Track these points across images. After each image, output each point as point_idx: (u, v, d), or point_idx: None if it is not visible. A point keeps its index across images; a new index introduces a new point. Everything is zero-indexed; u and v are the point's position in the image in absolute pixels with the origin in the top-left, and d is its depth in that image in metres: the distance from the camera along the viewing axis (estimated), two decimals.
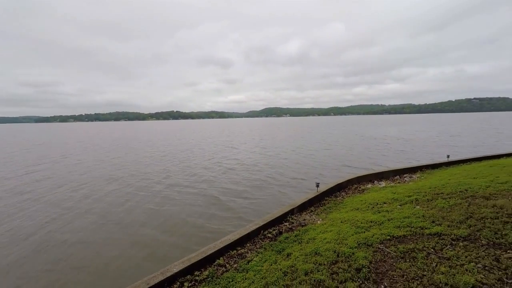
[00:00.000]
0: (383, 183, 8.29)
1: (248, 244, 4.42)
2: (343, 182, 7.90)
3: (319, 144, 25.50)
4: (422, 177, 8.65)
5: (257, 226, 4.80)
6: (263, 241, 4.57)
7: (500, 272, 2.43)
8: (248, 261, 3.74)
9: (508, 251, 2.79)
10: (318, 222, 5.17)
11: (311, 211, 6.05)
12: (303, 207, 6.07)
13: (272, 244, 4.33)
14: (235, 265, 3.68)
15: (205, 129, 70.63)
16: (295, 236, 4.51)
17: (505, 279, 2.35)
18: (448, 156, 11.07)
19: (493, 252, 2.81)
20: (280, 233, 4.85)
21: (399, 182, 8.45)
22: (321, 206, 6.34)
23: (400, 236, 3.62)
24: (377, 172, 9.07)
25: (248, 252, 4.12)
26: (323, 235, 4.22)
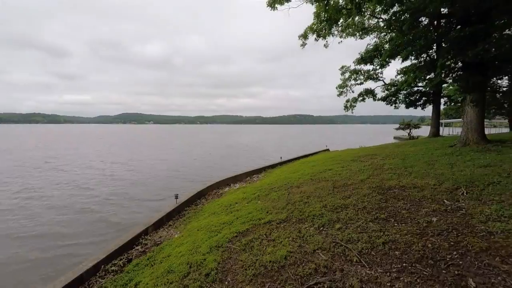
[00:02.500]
0: (237, 185, 9.47)
1: None
2: (203, 189, 8.19)
3: (186, 154, 25.21)
4: (265, 176, 10.79)
5: (95, 262, 3.83)
6: (104, 278, 3.70)
7: (300, 240, 3.42)
8: None
9: (305, 223, 4.01)
10: (176, 235, 4.96)
11: (170, 225, 5.73)
12: (160, 223, 5.62)
13: (116, 278, 3.60)
14: None
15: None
16: (148, 259, 4.04)
17: (303, 245, 3.33)
18: (281, 158, 14.62)
19: (298, 227, 3.93)
20: (130, 260, 4.16)
21: (249, 182, 10.00)
22: (181, 218, 6.18)
23: (244, 230, 4.21)
24: (233, 176, 10.24)
25: None
26: (179, 249, 4.08)
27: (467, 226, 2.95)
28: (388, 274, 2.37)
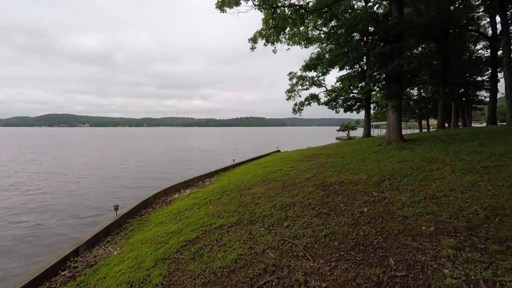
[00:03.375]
0: (188, 191, 9.04)
1: None
2: (149, 198, 7.54)
3: (130, 160, 22.84)
4: (218, 180, 10.60)
5: None
6: None
7: (250, 242, 3.46)
8: None
9: (256, 224, 4.08)
10: (115, 252, 4.41)
11: (108, 241, 5.07)
12: (95, 240, 4.92)
13: None
14: None
15: None
16: (78, 285, 3.47)
17: (253, 246, 3.37)
18: (234, 160, 14.62)
19: (249, 228, 3.97)
20: None
21: (201, 187, 9.66)
22: (122, 232, 5.54)
23: (194, 238, 4.03)
24: (183, 181, 9.74)
25: None
26: (118, 267, 3.63)
27: (389, 213, 3.47)
28: (328, 264, 2.59)
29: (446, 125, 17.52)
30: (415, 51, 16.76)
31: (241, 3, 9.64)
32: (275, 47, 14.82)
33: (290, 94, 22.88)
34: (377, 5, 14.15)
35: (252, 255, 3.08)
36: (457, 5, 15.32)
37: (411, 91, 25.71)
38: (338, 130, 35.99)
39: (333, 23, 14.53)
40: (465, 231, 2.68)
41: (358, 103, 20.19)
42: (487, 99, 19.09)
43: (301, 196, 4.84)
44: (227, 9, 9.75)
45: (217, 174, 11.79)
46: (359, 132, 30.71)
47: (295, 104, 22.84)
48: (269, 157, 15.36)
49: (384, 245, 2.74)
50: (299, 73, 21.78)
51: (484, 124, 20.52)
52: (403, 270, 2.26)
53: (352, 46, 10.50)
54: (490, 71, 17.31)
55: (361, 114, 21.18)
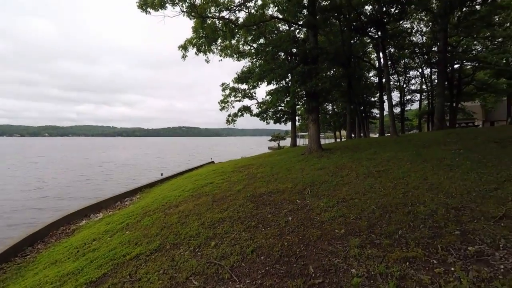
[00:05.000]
0: (101, 214, 7.56)
1: None
2: (40, 230, 5.86)
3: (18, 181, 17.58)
4: (141, 198, 9.34)
5: None
6: None
7: (172, 271, 3.04)
8: None
9: (181, 247, 3.67)
10: None
11: None
12: None
13: None
14: None
15: None
16: None
17: (175, 275, 2.97)
18: (162, 174, 13.32)
19: (172, 254, 3.52)
20: None
21: (119, 208, 8.27)
22: None
23: (100, 277, 3.27)
24: (94, 203, 8.10)
25: None
26: None
27: (309, 220, 3.73)
28: (254, 282, 2.50)
29: (353, 135, 21.26)
30: (328, 73, 19.87)
31: (167, 7, 9.09)
32: (207, 57, 14.65)
33: (223, 104, 23.00)
34: (297, 30, 16.08)
35: (172, 286, 2.70)
36: (355, 40, 19.13)
37: (327, 106, 30.17)
38: (270, 140, 38.47)
39: (261, 40, 15.57)
40: (366, 229, 3.12)
41: (285, 116, 22.09)
42: (378, 115, 24.31)
43: (231, 210, 4.71)
44: (150, 10, 9.01)
45: (140, 192, 10.40)
46: (288, 142, 33.56)
47: (229, 115, 23.08)
48: (202, 169, 14.75)
49: (305, 253, 2.87)
50: (231, 85, 22.23)
51: (377, 135, 25.96)
52: (321, 277, 2.40)
53: (278, 63, 11.45)
54: (378, 93, 22.27)
55: (289, 125, 23.27)
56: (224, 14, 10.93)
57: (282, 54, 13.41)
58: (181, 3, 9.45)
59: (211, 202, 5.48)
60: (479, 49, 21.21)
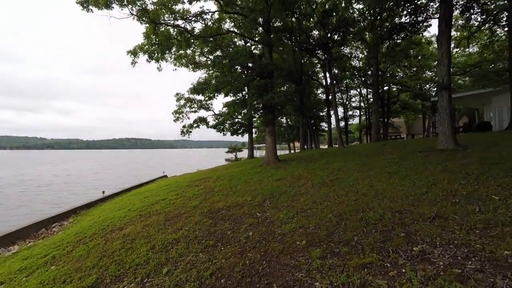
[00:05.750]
0: (16, 247, 6.04)
1: None
2: None
3: None
4: (75, 221, 7.89)
5: None
6: None
7: None
8: None
9: (124, 279, 3.11)
10: None
11: None
12: None
13: None
14: None
15: None
16: None
17: None
18: (103, 192, 11.64)
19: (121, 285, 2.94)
20: None
21: (44, 237, 6.79)
22: None
23: None
24: (6, 233, 6.45)
25: None
26: None
27: (271, 233, 3.64)
28: None
29: (305, 147, 22.66)
30: (282, 88, 21.04)
31: (113, 7, 8.32)
32: (159, 65, 13.86)
33: (177, 115, 21.95)
34: (253, 46, 16.68)
35: None
36: (305, 60, 20.90)
37: (282, 119, 31.71)
38: (227, 152, 38.01)
39: (218, 53, 15.59)
40: (326, 238, 3.17)
41: (242, 128, 22.24)
42: (327, 128, 26.61)
43: (187, 229, 4.30)
44: (93, 8, 8.09)
45: (74, 214, 8.81)
46: (245, 154, 33.70)
47: (184, 126, 22.09)
48: (153, 184, 13.47)
49: (268, 270, 2.73)
50: (186, 95, 21.48)
51: (326, 146, 28.29)
52: None
53: (235, 76, 11.56)
54: (326, 109, 24.52)
55: (246, 137, 23.45)
56: (180, 22, 10.63)
57: (239, 67, 13.64)
58: (130, 6, 8.79)
59: (163, 222, 4.93)
60: (401, 75, 25.58)
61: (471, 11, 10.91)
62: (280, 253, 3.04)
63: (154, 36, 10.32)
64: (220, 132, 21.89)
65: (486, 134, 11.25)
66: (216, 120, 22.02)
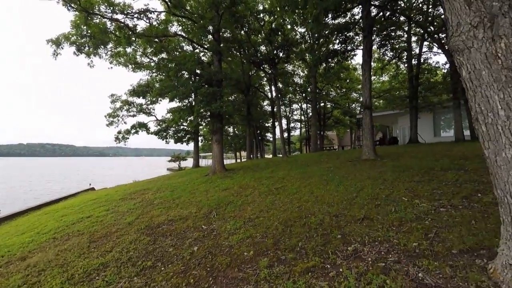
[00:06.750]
0: None
1: None
2: None
3: None
4: None
5: None
6: None
7: None
8: None
9: None
10: None
11: None
12: None
13: None
14: None
15: None
16: None
17: None
18: None
19: None
20: None
21: None
22: None
23: None
24: None
25: None
26: None
27: (217, 246, 3.47)
28: None
29: (252, 156, 23.19)
30: (231, 97, 21.22)
31: None
32: (91, 61, 12.11)
33: (112, 119, 19.43)
34: (202, 53, 16.42)
35: None
36: (253, 72, 21.78)
37: (229, 128, 31.79)
38: (170, 161, 35.40)
39: (163, 55, 14.69)
40: (272, 246, 3.22)
41: (188, 135, 21.26)
42: (271, 139, 28.01)
43: (118, 250, 3.71)
44: None
45: None
46: (189, 163, 32.11)
47: (119, 132, 19.66)
48: (75, 199, 11.30)
49: (215, 287, 2.57)
50: (124, 97, 19.32)
51: (271, 156, 29.65)
52: None
53: (182, 81, 11.06)
54: (271, 120, 25.89)
55: (191, 146, 22.44)
56: (119, 17, 9.59)
57: (186, 73, 13.14)
58: None
59: (86, 244, 4.13)
60: (334, 94, 29.36)
61: (385, 47, 13.51)
62: (227, 266, 2.91)
63: (85, 27, 8.97)
64: (163, 140, 20.35)
65: (395, 147, 13.85)
66: (159, 127, 20.44)
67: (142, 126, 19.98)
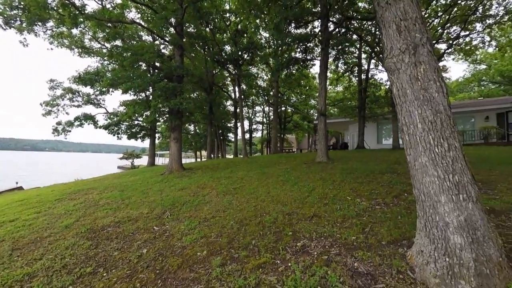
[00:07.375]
0: None
1: None
2: None
3: None
4: None
5: None
6: None
7: None
8: None
9: None
10: None
11: None
12: None
13: None
14: None
15: None
16: None
17: None
18: None
19: None
20: None
21: None
22: None
23: None
24: None
25: None
26: None
27: (169, 248, 3.34)
28: None
29: (212, 156, 22.79)
30: (193, 95, 20.51)
31: None
32: (24, 38, 10.36)
33: (50, 108, 16.90)
34: (163, 46, 15.51)
35: None
36: (217, 71, 21.48)
37: (189, 126, 30.66)
38: (121, 158, 32.34)
39: (118, 42, 13.46)
40: (226, 245, 3.24)
41: (143, 131, 19.79)
42: (233, 139, 27.99)
43: (50, 258, 3.26)
44: None
45: None
46: (144, 161, 29.90)
47: (59, 123, 17.21)
48: None
49: None
50: (67, 84, 17.02)
51: (232, 156, 29.61)
52: None
53: (138, 73, 10.26)
54: (234, 121, 25.88)
55: (146, 143, 20.94)
56: None
57: (144, 64, 12.22)
58: None
59: (8, 252, 3.53)
60: (295, 99, 30.86)
61: (339, 61, 14.80)
62: (178, 267, 2.83)
63: None
64: (114, 135, 18.50)
65: (345, 152, 15.26)
66: (109, 120, 18.54)
67: (89, 118, 17.84)
